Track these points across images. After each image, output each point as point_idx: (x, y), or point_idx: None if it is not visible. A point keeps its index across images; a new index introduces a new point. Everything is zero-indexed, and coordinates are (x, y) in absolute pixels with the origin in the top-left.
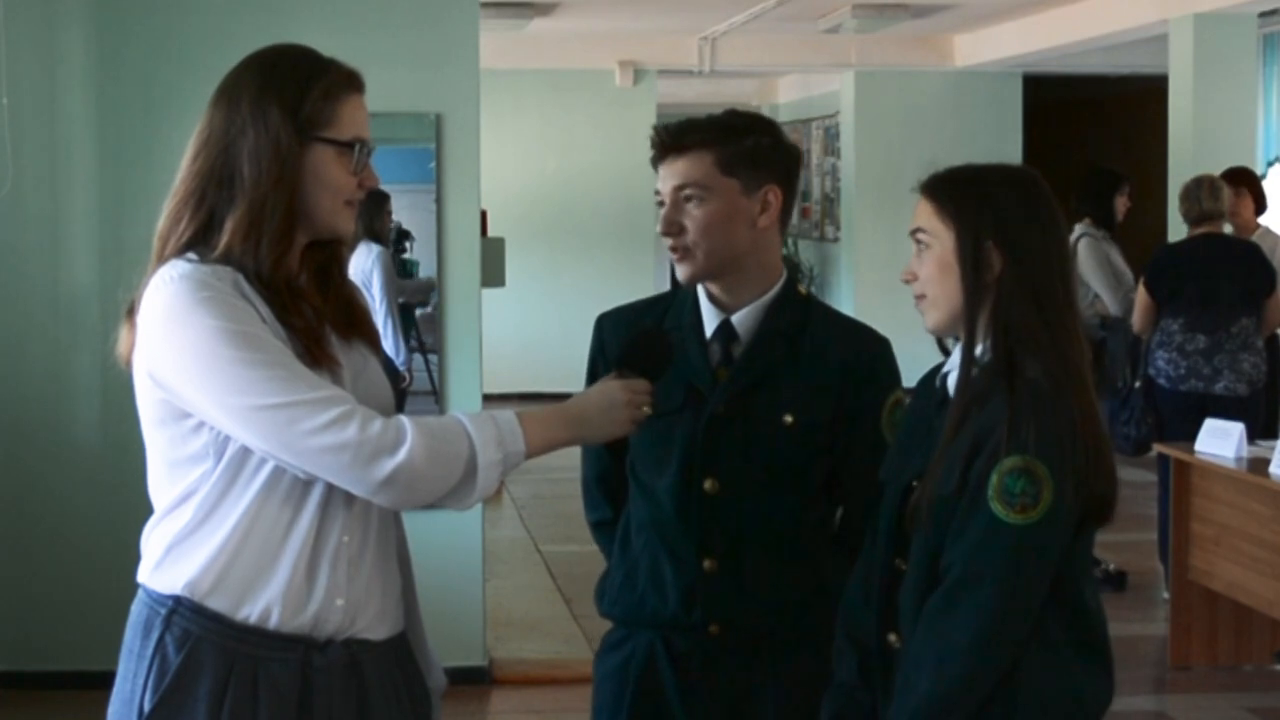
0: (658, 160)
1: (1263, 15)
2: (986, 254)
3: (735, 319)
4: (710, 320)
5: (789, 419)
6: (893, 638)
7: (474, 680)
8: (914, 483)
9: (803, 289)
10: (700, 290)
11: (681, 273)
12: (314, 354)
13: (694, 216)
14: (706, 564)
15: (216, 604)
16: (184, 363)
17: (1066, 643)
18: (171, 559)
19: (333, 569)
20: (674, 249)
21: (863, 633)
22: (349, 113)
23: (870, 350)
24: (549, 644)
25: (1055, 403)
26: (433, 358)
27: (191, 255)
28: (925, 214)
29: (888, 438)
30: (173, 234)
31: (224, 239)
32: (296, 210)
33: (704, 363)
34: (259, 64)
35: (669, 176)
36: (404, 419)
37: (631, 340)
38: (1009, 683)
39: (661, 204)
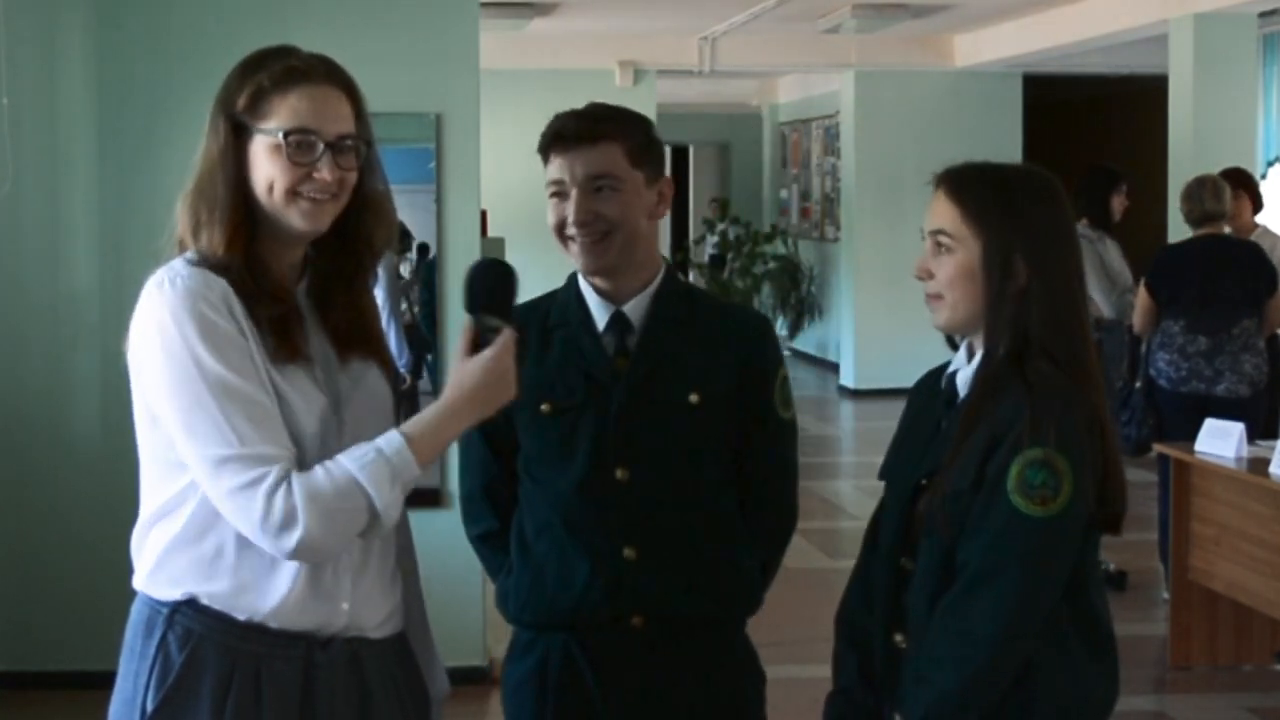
0: (561, 149)
1: (1263, 15)
2: (1014, 265)
3: (627, 309)
4: (600, 313)
5: (694, 398)
6: (899, 638)
7: (474, 680)
8: (923, 481)
9: (682, 276)
10: (584, 285)
11: (593, 261)
12: (284, 349)
13: (609, 205)
14: (627, 552)
15: (219, 607)
16: (159, 388)
17: (1078, 642)
18: (170, 567)
19: (337, 575)
20: (585, 238)
21: (864, 635)
22: (289, 104)
23: (756, 328)
24: None
25: (1074, 396)
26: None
27: (191, 255)
28: (949, 216)
29: (780, 413)
30: (175, 233)
31: (186, 227)
32: (245, 199)
33: (600, 355)
34: (230, 70)
35: (580, 165)
36: (298, 491)
37: (479, 279)
38: (1024, 682)
39: (559, 195)
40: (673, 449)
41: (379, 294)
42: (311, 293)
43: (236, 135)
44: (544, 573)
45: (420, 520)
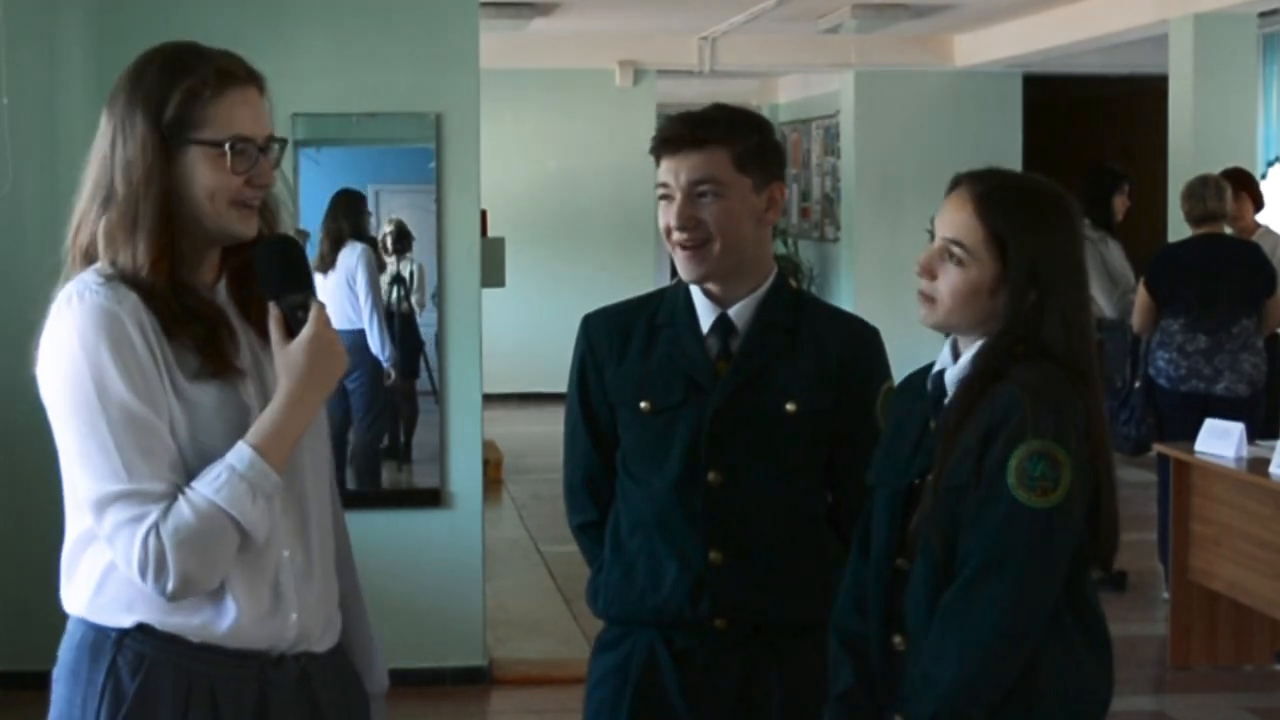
0: (668, 153)
1: (1263, 15)
2: (1027, 290)
3: (732, 312)
4: (706, 315)
5: (791, 407)
6: (898, 640)
7: (474, 680)
8: (916, 481)
9: (794, 282)
10: (693, 286)
11: (691, 270)
12: (211, 366)
13: (711, 212)
14: (713, 556)
15: (173, 631)
16: (56, 409)
17: (1079, 636)
18: (112, 592)
19: (281, 589)
20: (687, 244)
21: (857, 640)
22: (224, 111)
23: (865, 339)
24: (549, 644)
25: (1070, 391)
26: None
27: (103, 267)
28: (971, 232)
29: (882, 426)
30: (76, 244)
31: (100, 245)
32: (171, 214)
33: (703, 357)
34: (131, 70)
35: (685, 171)
36: (165, 535)
37: (266, 261)
38: (1029, 674)
39: (666, 198)
40: (765, 456)
41: (361, 286)
42: (231, 289)
43: (164, 145)
44: (634, 570)
45: (420, 520)
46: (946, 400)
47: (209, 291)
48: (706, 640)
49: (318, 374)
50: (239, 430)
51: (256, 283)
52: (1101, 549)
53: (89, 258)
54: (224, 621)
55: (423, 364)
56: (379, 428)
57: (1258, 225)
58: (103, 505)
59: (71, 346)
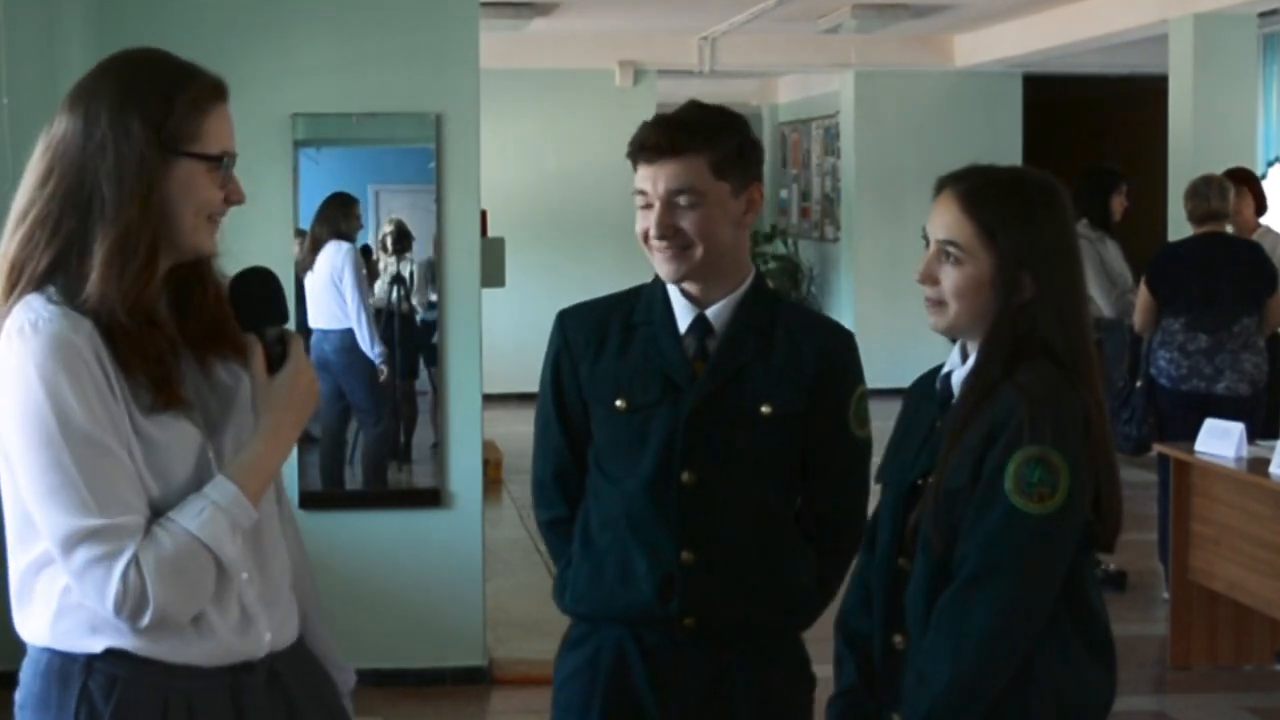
0: (645, 160)
1: (1263, 15)
2: (1022, 280)
3: (710, 313)
4: (684, 315)
5: (766, 410)
6: (898, 639)
7: (474, 680)
8: (919, 481)
9: (771, 284)
10: (671, 286)
11: (671, 272)
12: (162, 399)
13: (690, 219)
14: (684, 555)
15: (147, 654)
16: (15, 444)
17: (1077, 641)
18: (73, 615)
19: (250, 611)
20: (667, 250)
21: (862, 638)
22: (215, 125)
23: (840, 344)
24: (549, 644)
25: (1069, 396)
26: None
27: (52, 290)
28: (962, 229)
29: (854, 431)
30: (28, 263)
31: (92, 272)
32: (161, 232)
33: (680, 357)
34: (118, 73)
35: (662, 179)
36: (146, 570)
37: (241, 295)
38: (1024, 677)
39: (646, 205)
40: (739, 457)
41: (348, 285)
42: (171, 307)
43: (161, 155)
44: (604, 567)
45: (420, 520)
46: (953, 402)
47: (155, 311)
48: (676, 639)
49: (296, 412)
50: (191, 461)
51: (195, 300)
52: (1104, 534)
53: (44, 279)
54: (197, 647)
55: (422, 364)
56: (383, 426)
57: (1258, 224)
58: (71, 542)
59: (28, 378)
